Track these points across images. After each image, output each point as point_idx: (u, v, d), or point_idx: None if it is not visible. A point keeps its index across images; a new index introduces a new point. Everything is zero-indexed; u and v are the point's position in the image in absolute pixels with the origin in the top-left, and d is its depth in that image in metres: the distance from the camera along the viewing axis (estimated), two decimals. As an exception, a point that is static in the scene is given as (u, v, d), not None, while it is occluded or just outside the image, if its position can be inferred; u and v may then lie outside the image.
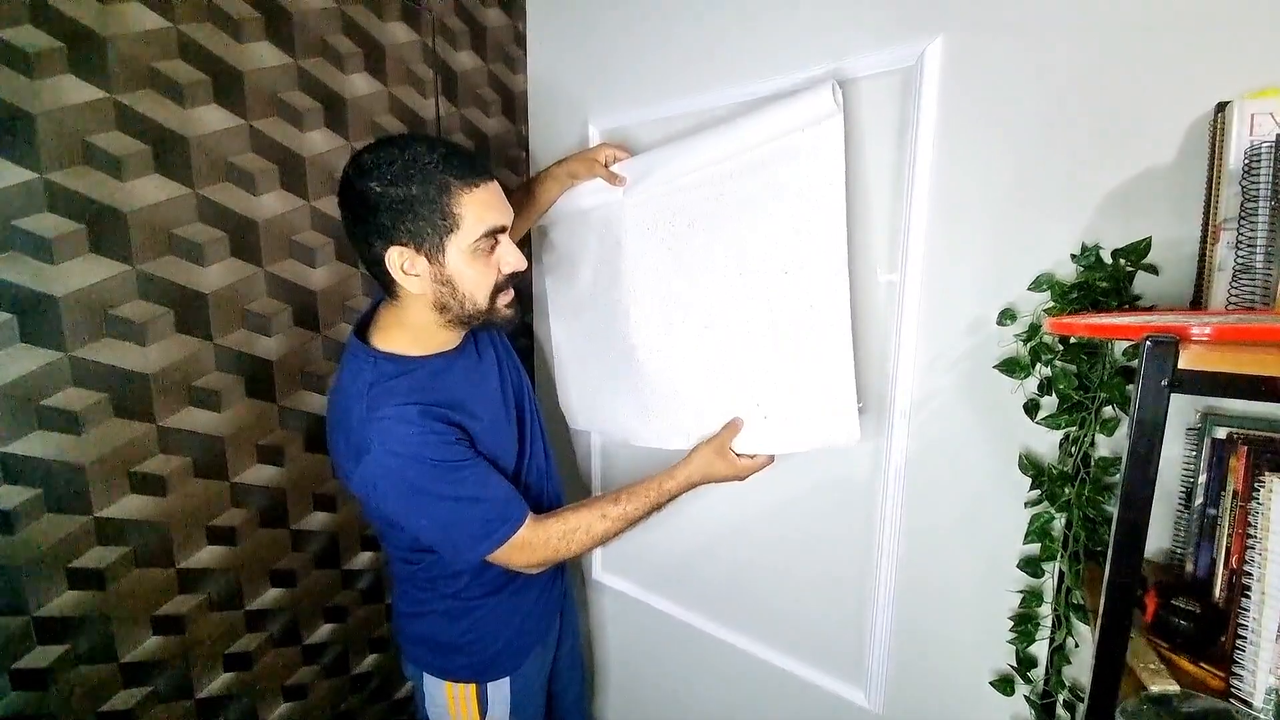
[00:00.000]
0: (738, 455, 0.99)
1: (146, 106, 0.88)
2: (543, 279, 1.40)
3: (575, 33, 1.36)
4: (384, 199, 0.75)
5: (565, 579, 1.14)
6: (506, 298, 0.87)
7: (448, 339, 0.89)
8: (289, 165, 1.05)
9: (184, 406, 0.96)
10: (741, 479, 1.00)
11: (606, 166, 1.12)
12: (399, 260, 0.78)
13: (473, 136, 1.38)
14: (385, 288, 0.84)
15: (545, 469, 1.04)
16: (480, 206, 0.79)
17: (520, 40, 1.45)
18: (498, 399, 0.95)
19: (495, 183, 0.82)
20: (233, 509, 1.03)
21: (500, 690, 0.98)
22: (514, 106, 1.47)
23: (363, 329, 0.89)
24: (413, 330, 0.86)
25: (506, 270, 0.84)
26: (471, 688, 0.97)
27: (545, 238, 1.36)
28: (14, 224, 0.79)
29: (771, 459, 1.00)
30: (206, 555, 1.01)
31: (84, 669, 0.90)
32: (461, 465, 0.82)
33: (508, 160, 1.47)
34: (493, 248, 0.82)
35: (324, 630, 1.20)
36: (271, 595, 1.11)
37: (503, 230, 0.83)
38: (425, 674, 0.99)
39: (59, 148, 0.81)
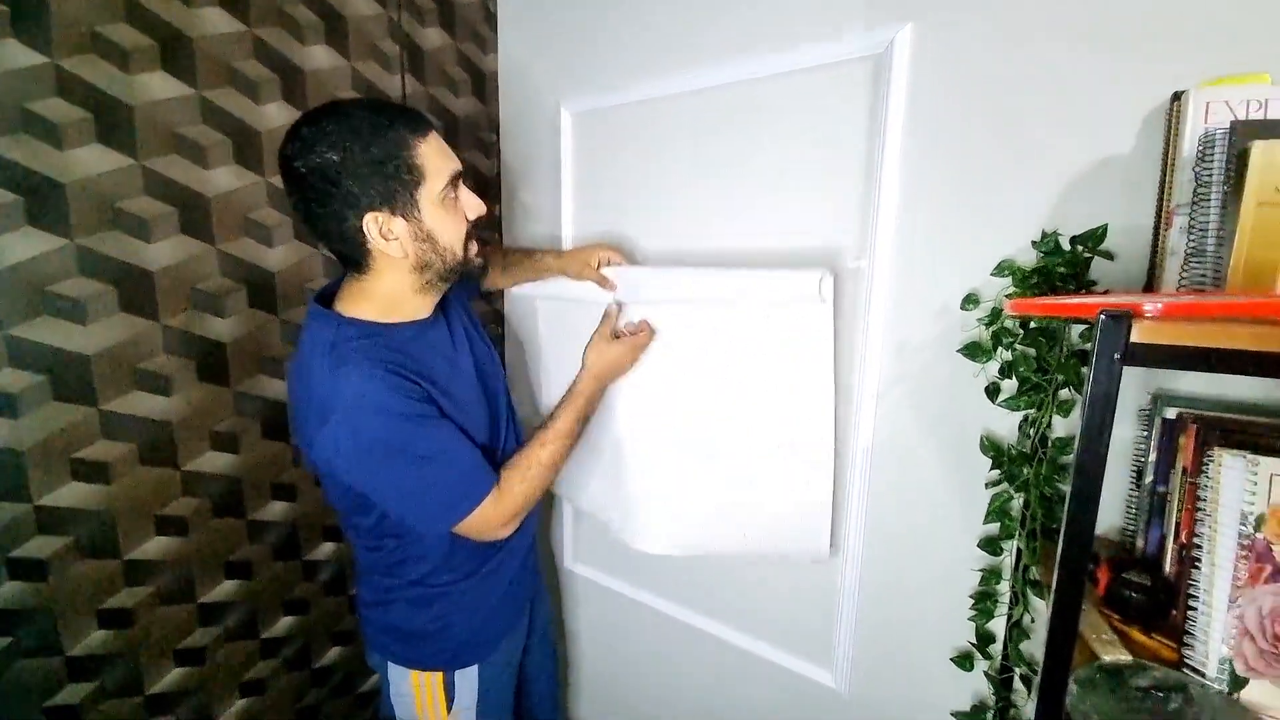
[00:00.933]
0: (620, 336, 1.05)
1: (89, 72, 0.83)
2: (538, 346, 1.37)
3: (548, 12, 1.33)
4: (345, 166, 0.72)
5: (536, 567, 1.12)
6: (474, 246, 0.86)
7: (419, 306, 0.86)
8: (243, 139, 1.00)
9: (129, 390, 0.91)
10: (635, 358, 1.06)
11: (599, 269, 1.11)
12: (376, 227, 0.75)
13: (441, 117, 1.34)
14: (354, 262, 0.81)
15: (518, 436, 1.02)
16: (436, 155, 0.78)
17: (491, 19, 1.42)
18: (470, 377, 0.93)
19: (433, 130, 0.81)
20: (184, 498, 0.99)
21: (468, 678, 0.97)
22: (484, 87, 1.43)
23: (325, 300, 0.86)
24: (382, 301, 0.83)
25: (472, 216, 0.84)
26: (439, 676, 0.95)
27: (544, 309, 1.32)
28: (-60, 193, 0.74)
29: (653, 332, 1.06)
30: (155, 546, 0.97)
31: (28, 662, 0.86)
32: (430, 421, 0.79)
33: (478, 143, 1.44)
34: (455, 194, 0.81)
35: (284, 623, 1.16)
36: (227, 587, 1.07)
37: (460, 175, 0.82)
38: (390, 663, 0.96)
39: (-8, 115, 0.76)
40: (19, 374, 0.81)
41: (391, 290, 0.82)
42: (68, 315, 0.84)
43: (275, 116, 1.04)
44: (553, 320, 1.31)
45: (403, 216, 0.77)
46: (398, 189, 0.75)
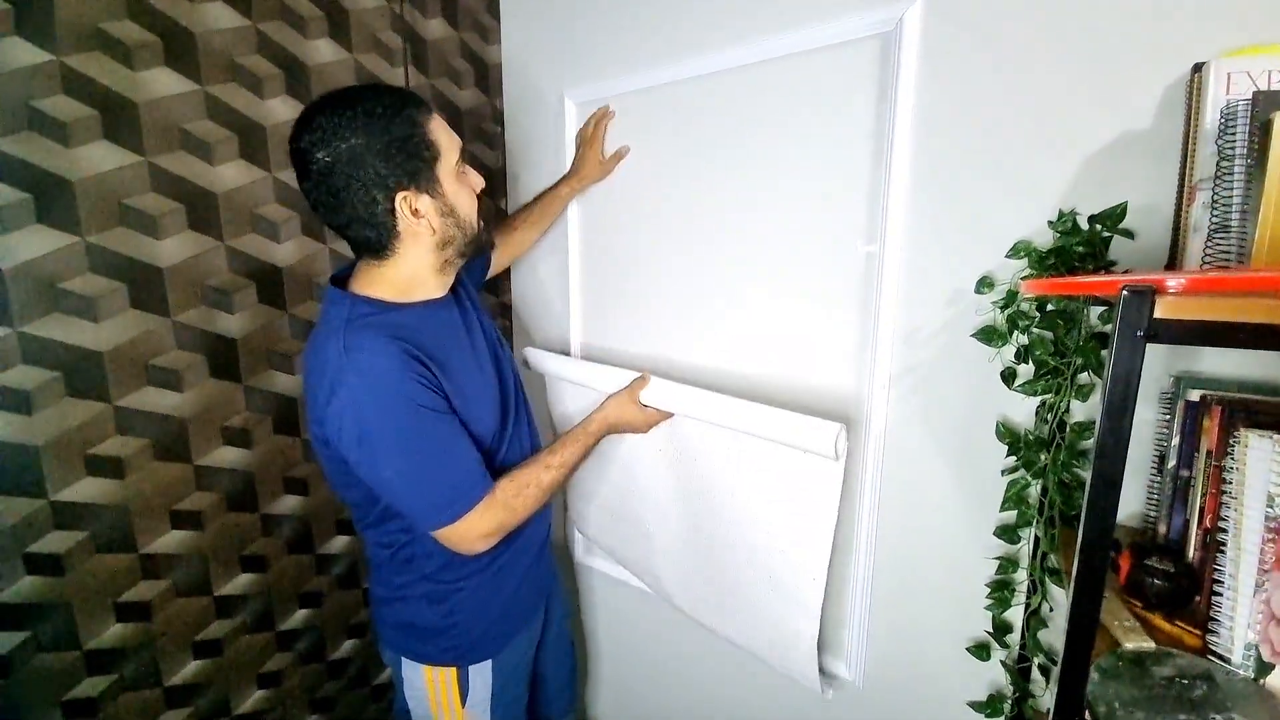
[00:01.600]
0: (644, 405, 1.04)
1: (94, 69, 0.84)
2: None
3: (551, 1, 1.32)
4: (370, 148, 0.73)
5: (551, 564, 1.11)
6: (481, 218, 0.89)
7: (436, 285, 0.87)
8: (249, 134, 1.00)
9: (142, 386, 0.92)
10: (645, 430, 1.07)
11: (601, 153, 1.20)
12: (407, 205, 0.77)
13: (445, 108, 1.34)
14: (377, 246, 0.80)
15: (529, 448, 1.01)
16: (443, 131, 0.80)
17: (493, 8, 1.41)
18: (484, 355, 0.93)
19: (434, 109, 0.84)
20: (198, 492, 1.00)
21: (482, 673, 0.96)
22: (488, 78, 1.43)
23: (339, 283, 0.86)
24: (402, 282, 0.84)
25: (478, 188, 0.86)
26: (452, 671, 0.94)
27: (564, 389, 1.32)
28: (-49, 193, 0.74)
29: (671, 415, 1.05)
30: (171, 540, 0.98)
31: (46, 657, 0.87)
32: (440, 415, 0.78)
33: (482, 134, 1.43)
34: (465, 169, 0.84)
35: (299, 616, 1.18)
36: (242, 580, 1.08)
37: (464, 149, 0.85)
38: (403, 659, 0.96)
39: (1, 114, 0.77)
40: (33, 371, 0.82)
41: (413, 271, 0.83)
42: (79, 312, 0.85)
43: (280, 111, 1.04)
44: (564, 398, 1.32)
45: (428, 193, 0.79)
46: (420, 166, 0.77)
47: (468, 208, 0.83)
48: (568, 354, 1.41)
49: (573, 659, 1.26)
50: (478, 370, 0.91)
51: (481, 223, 0.87)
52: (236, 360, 1.02)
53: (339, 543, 1.23)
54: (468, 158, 0.88)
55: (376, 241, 0.79)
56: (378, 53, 1.18)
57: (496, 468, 0.89)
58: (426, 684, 0.95)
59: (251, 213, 1.02)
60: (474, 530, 0.82)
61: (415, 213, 0.78)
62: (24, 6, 0.77)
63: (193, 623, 1.02)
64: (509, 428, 0.94)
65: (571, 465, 0.95)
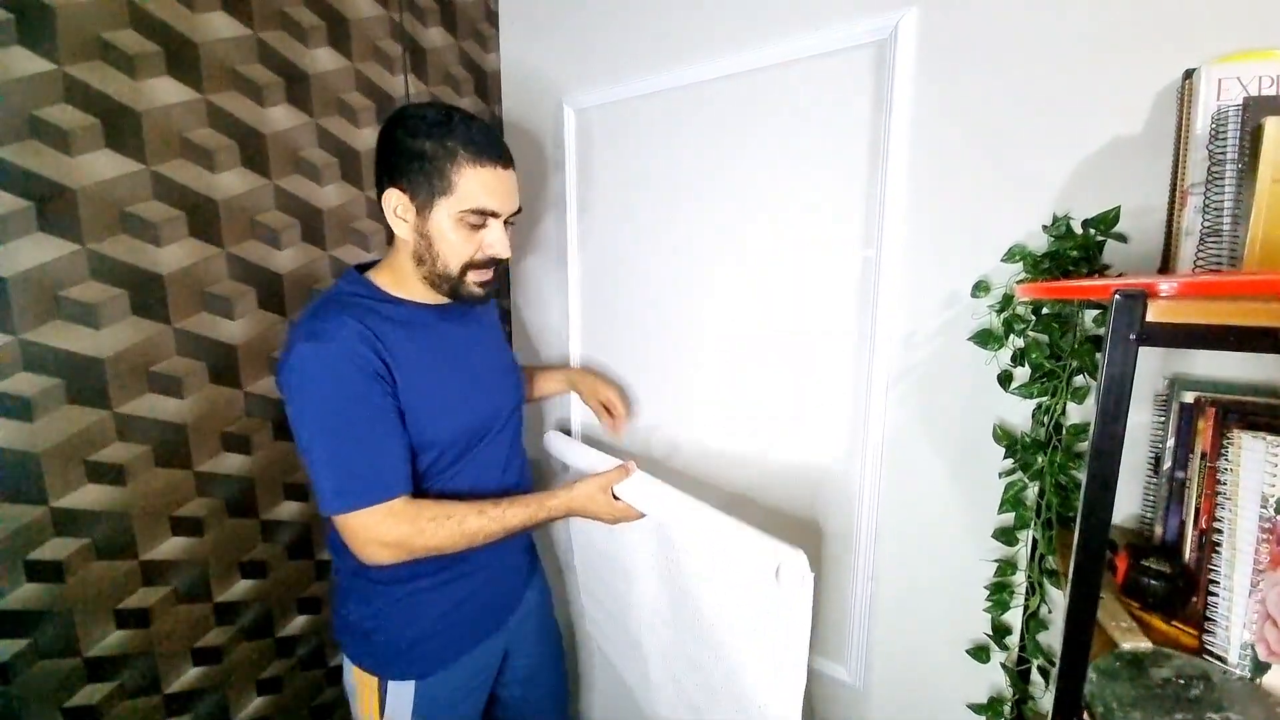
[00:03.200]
0: (615, 498, 0.94)
1: (96, 78, 0.84)
2: None
3: (549, 9, 1.33)
4: (400, 145, 0.81)
5: (517, 590, 1.05)
6: (480, 276, 0.88)
7: (425, 293, 0.90)
8: (249, 142, 1.01)
9: (142, 393, 0.92)
10: (612, 522, 0.96)
11: (607, 410, 1.22)
12: (394, 202, 0.83)
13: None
14: (388, 231, 0.88)
15: (496, 480, 0.97)
16: (479, 185, 0.82)
17: (492, 17, 1.42)
18: (462, 376, 0.92)
19: (509, 172, 0.86)
20: (199, 499, 1.00)
21: (401, 694, 0.90)
22: (486, 85, 1.44)
23: (361, 269, 0.92)
24: (398, 274, 0.88)
25: (489, 252, 0.87)
26: (374, 680, 0.90)
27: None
28: (-46, 200, 0.75)
29: (642, 515, 0.95)
30: (171, 547, 0.98)
31: (46, 664, 0.87)
32: (371, 404, 0.79)
33: (481, 141, 1.44)
34: (480, 226, 0.85)
35: (298, 622, 1.17)
36: (242, 587, 1.08)
37: (495, 216, 0.85)
38: (343, 652, 0.94)
39: (3, 122, 0.77)
40: (34, 378, 0.82)
41: (403, 268, 0.88)
42: (80, 319, 0.85)
43: (280, 119, 1.04)
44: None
45: (416, 208, 0.83)
46: (424, 186, 0.82)
47: (448, 251, 0.84)
48: (568, 359, 1.42)
49: (562, 693, 1.20)
50: (457, 383, 0.90)
51: (470, 279, 0.87)
52: (237, 366, 1.03)
53: (339, 548, 1.23)
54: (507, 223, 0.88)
55: (386, 224, 0.86)
56: (378, 61, 1.19)
57: (439, 487, 0.88)
58: (356, 684, 0.92)
59: (252, 220, 1.03)
60: (372, 532, 0.79)
61: (400, 213, 0.84)
62: (26, 16, 0.78)
63: (193, 629, 1.02)
64: (475, 448, 0.92)
65: (511, 526, 0.87)
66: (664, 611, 1.05)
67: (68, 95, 0.82)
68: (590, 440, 1.37)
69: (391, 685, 0.90)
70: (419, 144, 0.80)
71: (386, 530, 0.79)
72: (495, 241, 0.86)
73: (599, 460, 1.13)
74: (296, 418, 0.79)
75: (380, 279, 0.88)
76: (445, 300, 0.90)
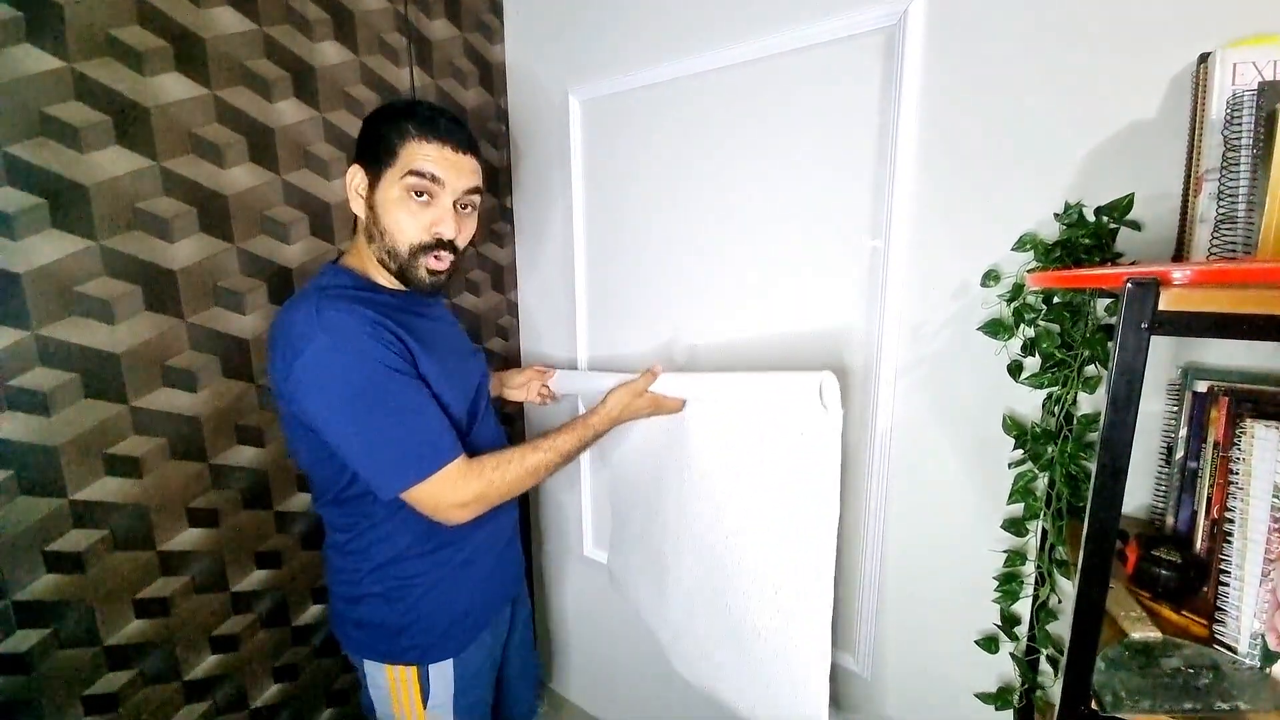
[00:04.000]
0: (649, 393, 1.03)
1: (106, 75, 0.85)
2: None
3: (553, 0, 1.32)
4: (366, 128, 0.85)
5: (517, 566, 1.09)
6: (433, 263, 0.86)
7: (387, 280, 0.88)
8: (258, 137, 1.01)
9: (157, 387, 0.93)
10: (649, 414, 1.05)
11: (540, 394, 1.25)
12: (352, 178, 0.85)
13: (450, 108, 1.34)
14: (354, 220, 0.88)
15: (496, 435, 1.01)
16: (420, 155, 0.81)
17: (497, 8, 1.41)
18: (460, 352, 0.96)
19: (460, 154, 0.84)
20: (213, 490, 1.02)
21: (444, 673, 0.94)
22: (492, 78, 1.43)
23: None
24: (363, 259, 0.88)
25: (435, 231, 0.84)
26: (413, 670, 0.92)
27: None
28: (-31, 199, 0.76)
29: (683, 403, 1.04)
30: (188, 537, 1.00)
31: (67, 652, 0.89)
32: (407, 378, 0.80)
33: (488, 133, 1.44)
34: (426, 202, 0.83)
35: (313, 611, 1.19)
36: (257, 576, 1.10)
37: (437, 183, 0.83)
38: (365, 660, 0.93)
39: (16, 120, 0.78)
40: (51, 372, 0.84)
41: (362, 251, 0.87)
42: (96, 315, 0.87)
43: (288, 113, 1.05)
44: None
45: (369, 180, 0.84)
46: (372, 159, 0.83)
47: (395, 227, 0.83)
48: (574, 362, 1.43)
49: (536, 662, 1.24)
50: (459, 359, 0.94)
51: (420, 260, 0.85)
52: (249, 360, 1.04)
53: (351, 539, 1.24)
54: (463, 206, 0.88)
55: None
56: (383, 54, 1.19)
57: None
58: (389, 683, 0.93)
59: (261, 215, 1.03)
60: (445, 498, 0.81)
61: (357, 187, 0.85)
62: (35, 14, 0.79)
63: (210, 618, 1.04)
64: (475, 426, 0.94)
65: (566, 454, 0.94)
66: (697, 504, 1.08)
67: (78, 92, 0.83)
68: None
69: (432, 669, 0.93)
70: (380, 127, 0.83)
71: (459, 491, 0.82)
72: (442, 218, 0.84)
73: (616, 379, 1.14)
74: (326, 411, 0.77)
75: (352, 267, 0.87)
76: (393, 286, 0.89)
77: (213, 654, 1.05)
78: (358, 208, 0.85)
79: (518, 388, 1.26)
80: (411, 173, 0.81)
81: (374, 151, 0.83)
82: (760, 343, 1.13)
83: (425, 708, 0.93)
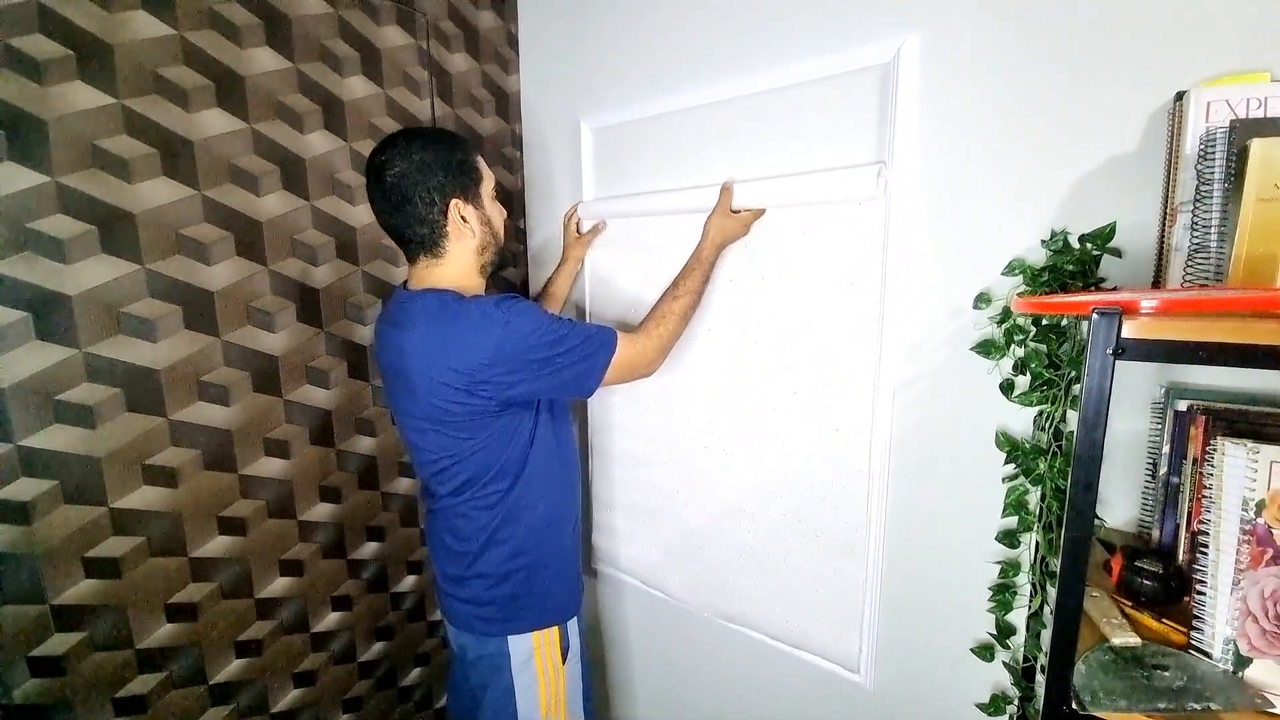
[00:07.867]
0: (736, 212, 1.13)
1: (153, 111, 0.92)
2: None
3: (566, 33, 1.39)
4: (440, 161, 0.92)
5: None
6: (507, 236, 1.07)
7: (478, 286, 1.01)
8: (290, 166, 1.08)
9: (193, 401, 0.99)
10: (746, 232, 1.15)
11: (578, 231, 1.38)
12: (459, 211, 0.94)
13: (467, 135, 1.41)
14: (431, 245, 0.95)
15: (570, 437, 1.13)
16: (484, 165, 0.99)
17: (513, 41, 1.49)
18: None
19: None
20: (241, 500, 1.07)
21: (575, 628, 1.09)
22: (507, 106, 1.50)
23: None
24: (454, 280, 0.97)
25: (505, 214, 1.04)
26: (555, 631, 1.05)
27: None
28: (28, 226, 0.82)
29: (763, 210, 1.13)
30: (217, 545, 1.05)
31: (100, 655, 0.93)
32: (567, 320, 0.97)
33: (502, 159, 1.50)
34: (497, 197, 1.02)
35: (332, 618, 1.24)
36: (281, 584, 1.14)
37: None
38: (509, 637, 1.01)
39: (70, 151, 0.85)
40: (96, 388, 0.89)
41: (460, 269, 0.97)
42: (140, 333, 0.92)
43: (318, 144, 1.11)
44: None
45: (472, 205, 0.95)
46: (469, 182, 0.95)
47: (499, 223, 1.01)
48: None
49: None
50: None
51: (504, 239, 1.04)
52: (277, 376, 1.09)
53: (370, 548, 1.29)
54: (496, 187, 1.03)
55: (430, 239, 0.94)
56: (406, 87, 1.26)
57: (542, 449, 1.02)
58: (534, 650, 1.03)
59: (292, 239, 1.09)
60: (637, 360, 1.00)
61: (463, 219, 0.94)
62: (86, 53, 0.85)
63: (236, 623, 1.08)
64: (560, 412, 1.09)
65: (697, 290, 1.09)
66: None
67: (127, 127, 0.90)
68: None
69: (570, 625, 1.08)
70: (452, 155, 0.93)
71: (640, 351, 1.01)
72: (500, 203, 1.03)
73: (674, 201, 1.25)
74: (553, 348, 0.91)
75: (448, 287, 0.95)
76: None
77: (237, 658, 1.09)
78: (469, 232, 0.95)
79: (570, 247, 1.39)
80: (498, 183, 0.98)
81: (467, 178, 0.95)
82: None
83: (565, 663, 1.06)
